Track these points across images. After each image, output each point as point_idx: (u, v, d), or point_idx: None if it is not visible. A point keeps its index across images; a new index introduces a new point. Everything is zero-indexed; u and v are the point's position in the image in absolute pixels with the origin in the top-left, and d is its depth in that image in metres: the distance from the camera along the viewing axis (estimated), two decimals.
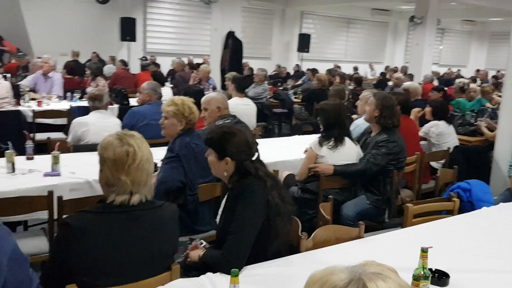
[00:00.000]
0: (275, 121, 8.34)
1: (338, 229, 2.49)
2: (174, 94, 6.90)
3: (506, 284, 2.05)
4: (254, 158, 2.22)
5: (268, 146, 4.70)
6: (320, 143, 3.52)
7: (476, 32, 20.76)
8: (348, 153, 3.54)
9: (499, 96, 6.51)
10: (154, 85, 4.69)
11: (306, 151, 3.75)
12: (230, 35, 8.86)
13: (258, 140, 4.77)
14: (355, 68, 16.81)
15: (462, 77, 13.85)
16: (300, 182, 3.62)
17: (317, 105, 7.47)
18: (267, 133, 7.66)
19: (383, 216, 3.66)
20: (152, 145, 4.14)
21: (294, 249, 2.32)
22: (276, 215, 2.14)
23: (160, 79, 6.73)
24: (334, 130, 3.50)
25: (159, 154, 3.68)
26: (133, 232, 1.76)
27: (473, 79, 12.42)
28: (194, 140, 3.07)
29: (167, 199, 2.85)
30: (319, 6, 15.50)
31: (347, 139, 3.56)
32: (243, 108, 5.08)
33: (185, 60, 11.51)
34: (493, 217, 2.88)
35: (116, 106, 6.24)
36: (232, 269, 1.68)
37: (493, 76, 13.09)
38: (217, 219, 2.34)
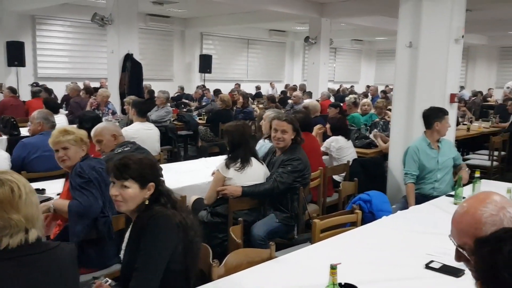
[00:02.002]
0: (180, 143, 8.19)
1: (249, 252, 2.46)
2: (70, 121, 6.50)
3: None
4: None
5: (174, 171, 4.59)
6: (227, 165, 3.50)
7: (365, 50, 22.40)
8: (255, 173, 3.55)
9: (389, 110, 7.01)
10: (45, 113, 4.36)
11: (213, 173, 3.71)
12: (128, 57, 8.60)
13: (163, 165, 4.67)
14: (257, 87, 17.26)
15: (355, 92, 14.79)
16: (209, 206, 3.55)
17: (222, 126, 7.50)
18: (173, 157, 7.50)
19: (292, 233, 3.72)
20: (48, 177, 3.87)
21: (205, 277, 2.25)
22: (188, 243, 2.06)
23: (53, 106, 6.29)
24: (240, 151, 3.50)
25: (55, 187, 3.43)
26: (27, 280, 1.56)
27: (365, 94, 13.30)
28: (98, 164, 2.89)
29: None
30: (218, 27, 15.70)
31: (253, 159, 3.57)
32: (145, 133, 4.92)
33: (81, 85, 10.97)
34: (393, 226, 3.04)
35: (4, 137, 5.71)
36: None
37: (382, 91, 14.14)
38: (121, 254, 2.19)
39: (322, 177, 4.40)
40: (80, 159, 2.89)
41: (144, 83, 12.00)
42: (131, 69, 8.56)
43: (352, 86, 18.31)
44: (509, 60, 18.54)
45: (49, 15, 12.86)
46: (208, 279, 2.20)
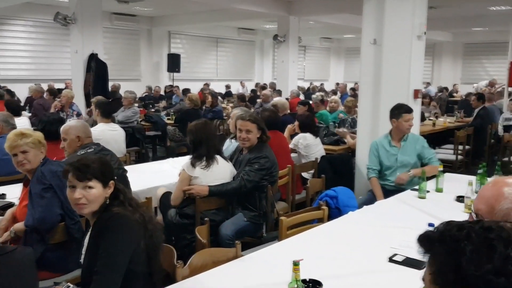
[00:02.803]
0: (148, 144, 8.08)
1: (215, 251, 2.44)
2: (33, 123, 6.32)
3: (376, 284, 2.17)
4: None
5: (141, 172, 4.53)
6: (193, 164, 3.46)
7: (333, 48, 22.63)
8: (222, 171, 3.53)
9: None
10: (5, 116, 4.23)
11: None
12: (93, 57, 8.42)
13: (130, 166, 4.58)
14: (227, 86, 17.20)
15: (325, 90, 14.94)
16: (176, 207, 3.50)
17: None
18: (141, 158, 7.39)
19: (261, 231, 3.71)
20: (8, 182, 3.74)
21: (170, 278, 2.21)
22: (149, 238, 2.04)
23: (15, 108, 6.10)
24: (202, 149, 3.47)
25: (16, 191, 3.31)
26: None
27: (334, 92, 13.44)
28: (59, 168, 2.81)
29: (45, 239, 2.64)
30: (186, 26, 15.56)
31: (219, 158, 3.55)
32: (110, 134, 4.82)
33: (45, 86, 10.69)
34: (358, 221, 3.07)
35: None
36: None
37: (351, 88, 14.32)
38: (82, 259, 2.13)
39: (291, 174, 4.41)
40: (40, 162, 2.81)
41: (113, 83, 11.85)
42: (96, 69, 8.38)
43: (322, 84, 18.47)
44: (473, 56, 19.06)
45: (10, 15, 12.45)
46: (173, 280, 2.17)
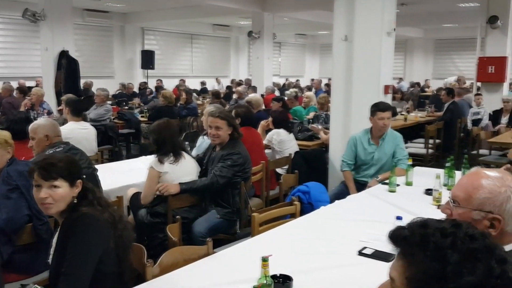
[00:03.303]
0: (122, 142, 7.98)
1: (186, 249, 2.43)
2: (1, 122, 6.16)
3: (346, 277, 2.20)
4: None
5: (114, 170, 4.47)
6: (160, 160, 3.46)
7: (308, 44, 22.75)
8: (190, 166, 3.57)
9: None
10: None
11: None
12: (64, 55, 8.25)
13: (102, 165, 4.52)
14: (203, 83, 17.12)
15: (299, 86, 15.01)
16: (147, 206, 3.48)
17: None
18: (114, 156, 7.29)
19: (235, 228, 3.72)
20: None
21: (141, 278, 2.20)
22: (118, 238, 2.02)
23: None
24: (167, 146, 3.48)
25: None
26: None
27: (309, 88, 13.53)
28: (26, 168, 2.75)
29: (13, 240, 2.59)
30: (159, 22, 15.40)
31: (185, 154, 3.57)
32: (80, 133, 4.75)
33: (15, 84, 10.43)
34: (330, 215, 3.11)
35: None
36: None
37: (326, 84, 14.42)
38: (49, 260, 2.10)
39: (264, 170, 4.42)
40: (6, 162, 2.76)
41: (85, 80, 11.64)
42: (67, 67, 8.21)
43: (297, 80, 18.56)
44: (444, 52, 19.44)
45: None
46: (144, 280, 2.16)
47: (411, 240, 1.00)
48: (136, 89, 14.19)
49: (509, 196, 1.49)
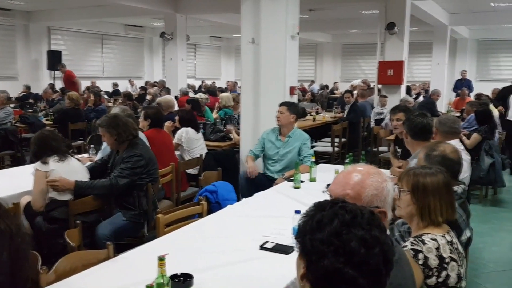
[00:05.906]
0: (25, 147, 7.50)
1: (85, 254, 2.37)
2: None
3: (246, 272, 2.27)
4: None
5: (13, 176, 4.22)
6: (44, 161, 3.36)
7: (224, 47, 22.89)
8: (79, 165, 3.55)
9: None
10: None
11: None
12: None
13: (2, 171, 4.22)
14: (115, 84, 16.56)
15: (209, 88, 15.08)
16: (42, 213, 3.32)
17: (72, 126, 7.06)
18: (16, 162, 6.84)
19: (142, 230, 3.67)
20: None
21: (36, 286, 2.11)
22: (14, 251, 1.91)
23: None
24: (47, 152, 3.40)
25: None
26: None
27: (222, 90, 13.62)
28: None
29: None
30: (67, 21, 14.65)
31: (71, 157, 3.56)
32: None
33: None
34: (236, 213, 3.18)
35: None
36: None
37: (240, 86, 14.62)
38: None
39: (174, 172, 4.40)
40: None
41: None
42: None
43: (213, 82, 18.59)
44: (350, 56, 20.53)
45: None
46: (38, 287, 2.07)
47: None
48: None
49: (388, 190, 1.66)
